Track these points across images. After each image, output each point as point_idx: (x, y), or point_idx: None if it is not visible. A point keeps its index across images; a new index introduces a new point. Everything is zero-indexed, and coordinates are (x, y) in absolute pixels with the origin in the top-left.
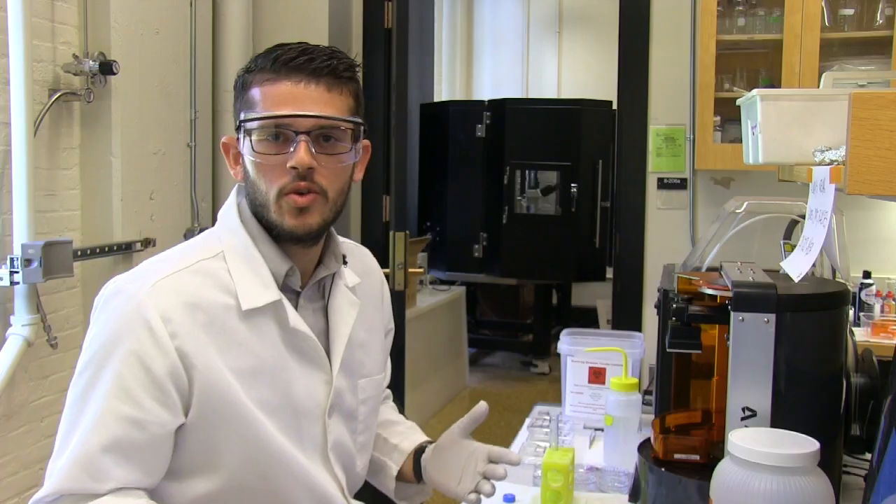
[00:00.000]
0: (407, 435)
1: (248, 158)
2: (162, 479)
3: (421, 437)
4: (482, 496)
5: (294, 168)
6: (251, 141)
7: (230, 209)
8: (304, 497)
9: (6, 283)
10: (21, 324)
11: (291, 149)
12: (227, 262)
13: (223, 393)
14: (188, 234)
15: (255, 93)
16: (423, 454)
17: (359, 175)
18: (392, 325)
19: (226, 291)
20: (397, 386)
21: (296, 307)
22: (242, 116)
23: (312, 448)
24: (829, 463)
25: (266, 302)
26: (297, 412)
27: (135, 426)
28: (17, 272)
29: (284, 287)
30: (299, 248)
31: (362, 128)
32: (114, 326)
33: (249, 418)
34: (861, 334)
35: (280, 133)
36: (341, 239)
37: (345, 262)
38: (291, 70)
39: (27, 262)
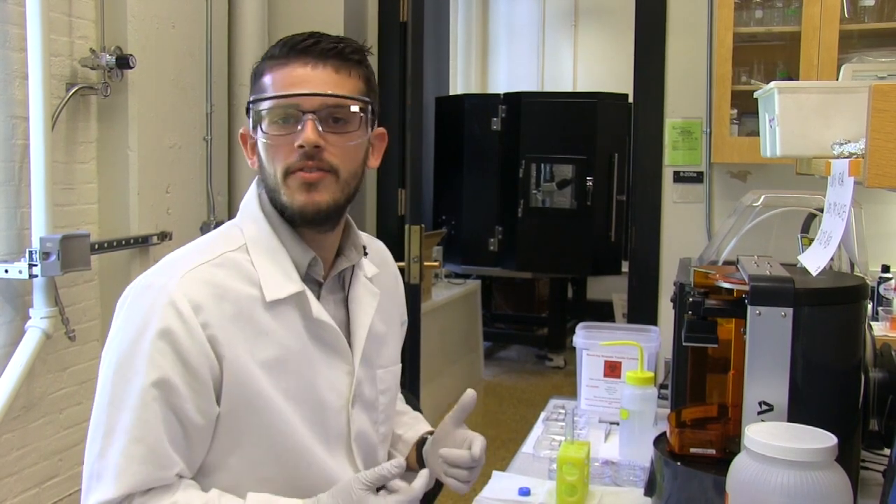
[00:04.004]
0: (411, 426)
1: (259, 141)
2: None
3: (424, 427)
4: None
5: (301, 147)
6: (262, 125)
7: (251, 201)
8: (322, 489)
9: (25, 276)
10: (40, 316)
11: (299, 128)
12: (250, 253)
13: (251, 384)
14: (204, 228)
15: (267, 79)
16: (424, 445)
17: (374, 162)
18: (406, 317)
19: (250, 283)
20: (412, 379)
21: (318, 298)
22: (251, 99)
23: (336, 440)
24: (846, 458)
25: (289, 293)
26: (322, 403)
27: (179, 412)
28: (35, 265)
29: (307, 278)
30: (316, 235)
31: (371, 108)
32: (143, 317)
33: (276, 409)
34: (879, 329)
35: (288, 114)
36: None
37: (365, 253)
38: (299, 53)
39: (45, 255)
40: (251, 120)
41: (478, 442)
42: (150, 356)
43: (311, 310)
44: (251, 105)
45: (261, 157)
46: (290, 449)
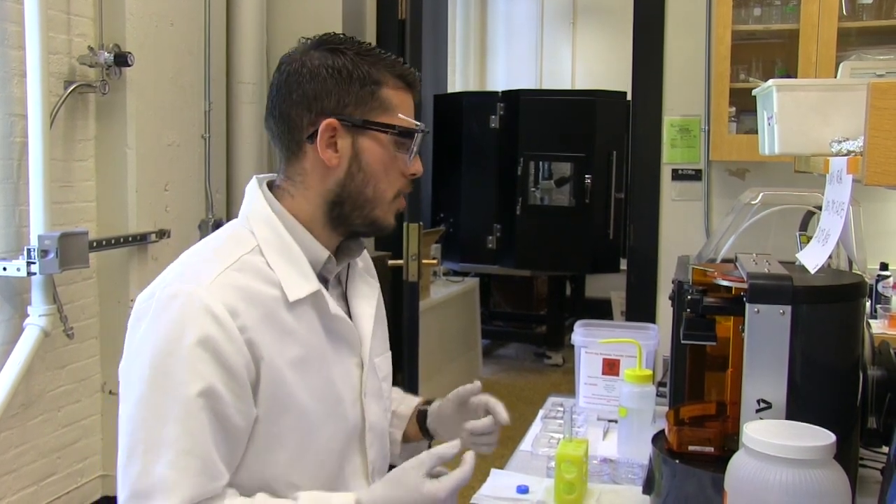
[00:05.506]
0: (400, 400)
1: (381, 155)
2: None
3: (413, 400)
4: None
5: (413, 175)
6: (384, 140)
7: (257, 201)
8: (334, 484)
9: (23, 273)
10: (38, 314)
11: (409, 157)
12: (265, 255)
13: (283, 384)
14: (202, 226)
15: (391, 96)
16: (427, 419)
17: None
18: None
19: (271, 284)
20: (411, 377)
21: None
22: (396, 117)
23: (353, 431)
24: (845, 456)
25: (309, 292)
26: (340, 398)
27: (224, 420)
28: (34, 263)
29: (318, 276)
30: (332, 235)
31: None
32: (176, 327)
33: (304, 409)
34: (878, 326)
35: (406, 143)
36: None
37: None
38: (413, 87)
39: (44, 252)
40: (375, 128)
41: (499, 407)
42: (192, 365)
43: (328, 307)
44: (405, 127)
45: (362, 164)
46: (315, 442)
